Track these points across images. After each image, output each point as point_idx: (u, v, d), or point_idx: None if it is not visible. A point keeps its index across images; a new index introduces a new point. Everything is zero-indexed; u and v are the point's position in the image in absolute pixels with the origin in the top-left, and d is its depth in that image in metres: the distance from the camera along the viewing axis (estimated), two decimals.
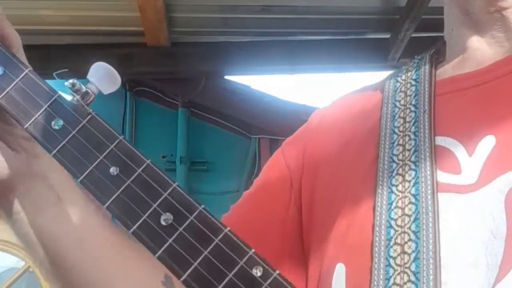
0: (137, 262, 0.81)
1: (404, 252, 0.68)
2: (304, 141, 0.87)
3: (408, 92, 0.81)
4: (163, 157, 4.36)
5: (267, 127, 4.31)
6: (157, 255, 0.64)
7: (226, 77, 4.32)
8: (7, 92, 0.72)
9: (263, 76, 4.78)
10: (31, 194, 0.77)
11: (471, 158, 0.71)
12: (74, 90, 0.70)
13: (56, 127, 0.69)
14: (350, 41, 3.89)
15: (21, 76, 0.72)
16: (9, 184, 0.75)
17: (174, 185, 0.65)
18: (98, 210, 0.81)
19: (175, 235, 0.63)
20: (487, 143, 0.71)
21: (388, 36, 3.76)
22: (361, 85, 0.91)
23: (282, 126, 4.29)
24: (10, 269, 4.32)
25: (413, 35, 3.53)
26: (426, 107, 0.77)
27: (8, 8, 3.69)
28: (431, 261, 0.66)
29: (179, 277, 0.63)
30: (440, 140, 0.74)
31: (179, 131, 4.28)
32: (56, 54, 3.75)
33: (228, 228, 0.64)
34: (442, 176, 0.71)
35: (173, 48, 3.91)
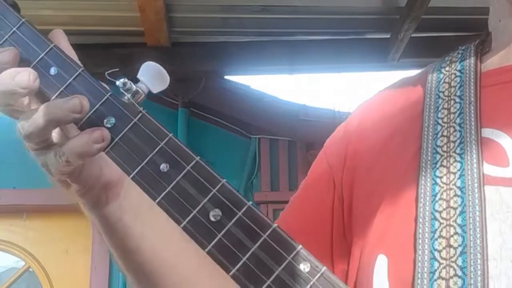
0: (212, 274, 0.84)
1: (450, 246, 0.67)
2: (347, 138, 0.87)
3: (453, 83, 0.80)
4: None
5: (267, 127, 4.31)
6: (206, 249, 0.64)
7: (226, 77, 4.32)
8: (61, 91, 0.73)
9: (263, 76, 4.78)
10: (130, 198, 0.79)
11: None
12: (125, 89, 0.72)
13: (109, 125, 0.71)
14: (350, 41, 3.89)
15: (75, 75, 0.73)
16: (120, 184, 0.79)
17: (223, 181, 0.67)
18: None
19: (224, 230, 0.64)
20: None
21: (388, 36, 3.76)
22: (399, 78, 0.90)
23: (282, 126, 4.31)
24: (10, 269, 4.30)
25: (413, 35, 3.55)
26: (472, 98, 0.76)
27: None
28: (478, 255, 0.65)
29: (228, 271, 0.64)
30: (487, 132, 0.73)
31: (179, 131, 4.26)
32: None
33: (276, 224, 0.64)
34: (489, 169, 0.71)
35: (173, 48, 3.91)
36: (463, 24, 3.63)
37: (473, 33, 3.38)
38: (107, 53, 3.78)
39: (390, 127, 0.83)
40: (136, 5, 3.40)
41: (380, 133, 0.83)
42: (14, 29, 0.75)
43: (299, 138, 4.20)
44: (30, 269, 4.21)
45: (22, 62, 0.74)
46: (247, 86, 4.41)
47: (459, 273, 0.65)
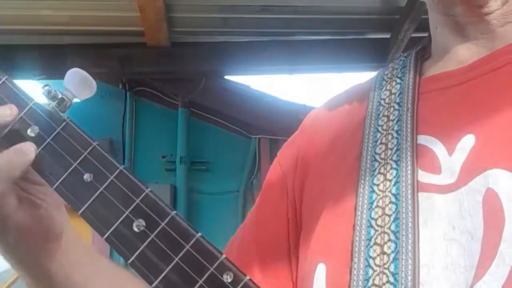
0: None
1: (384, 253, 0.67)
2: (298, 143, 0.87)
3: (393, 90, 0.80)
4: (163, 157, 4.37)
5: (267, 127, 4.32)
6: (129, 261, 0.64)
7: (226, 77, 4.33)
8: None
9: (263, 76, 4.79)
10: (71, 253, 0.78)
11: (450, 157, 0.71)
12: (50, 97, 0.71)
13: (32, 135, 0.70)
14: (350, 41, 3.89)
15: None
16: (55, 235, 0.77)
17: (147, 191, 0.66)
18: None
19: (147, 241, 0.64)
20: (466, 143, 0.70)
21: (388, 36, 3.76)
22: (351, 84, 0.90)
23: (282, 126, 4.29)
24: (10, 269, 4.32)
25: (413, 35, 3.53)
26: (409, 106, 0.76)
27: (8, 8, 3.69)
28: (409, 261, 0.66)
29: (150, 283, 0.63)
30: (422, 139, 0.73)
31: (179, 131, 4.28)
32: (56, 54, 3.75)
33: (200, 234, 0.64)
34: (423, 176, 0.71)
35: (173, 48, 3.92)
36: None
37: None
38: (107, 53, 3.79)
39: (336, 132, 0.83)
40: (136, 5, 3.41)
41: (326, 139, 0.83)
42: None
43: None
44: None
45: None
46: (247, 86, 4.42)
47: (391, 279, 0.65)
